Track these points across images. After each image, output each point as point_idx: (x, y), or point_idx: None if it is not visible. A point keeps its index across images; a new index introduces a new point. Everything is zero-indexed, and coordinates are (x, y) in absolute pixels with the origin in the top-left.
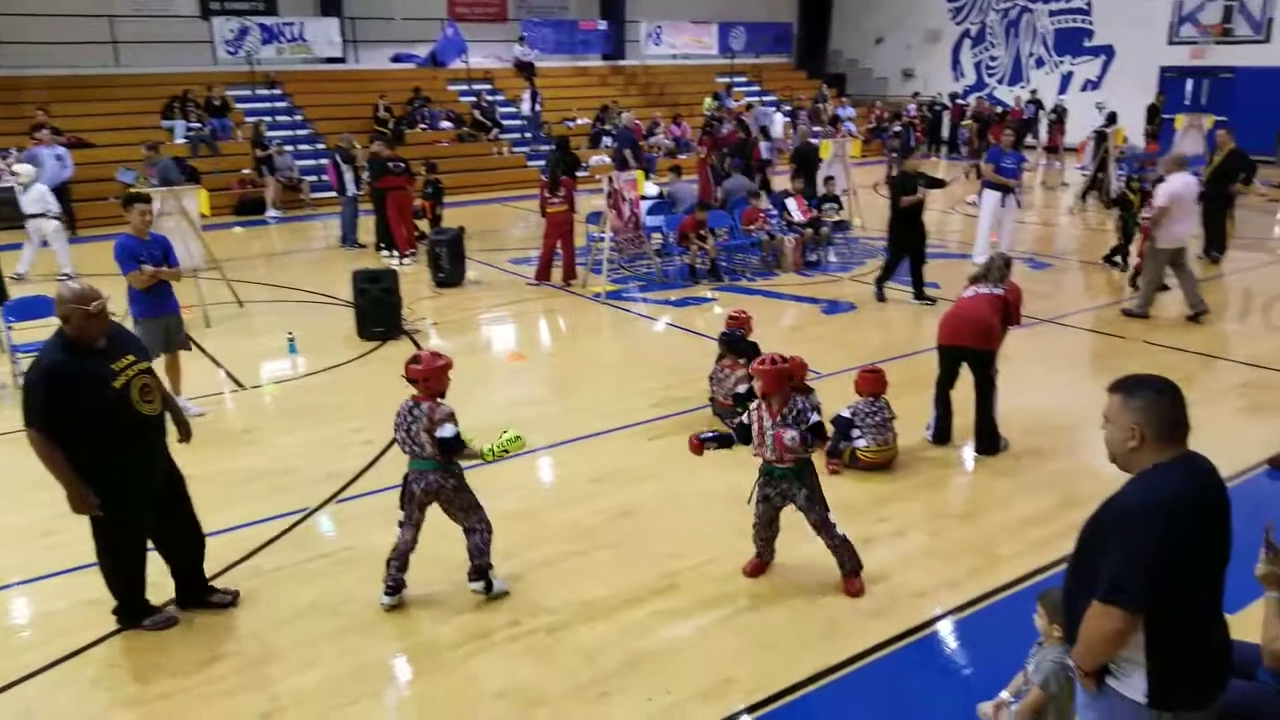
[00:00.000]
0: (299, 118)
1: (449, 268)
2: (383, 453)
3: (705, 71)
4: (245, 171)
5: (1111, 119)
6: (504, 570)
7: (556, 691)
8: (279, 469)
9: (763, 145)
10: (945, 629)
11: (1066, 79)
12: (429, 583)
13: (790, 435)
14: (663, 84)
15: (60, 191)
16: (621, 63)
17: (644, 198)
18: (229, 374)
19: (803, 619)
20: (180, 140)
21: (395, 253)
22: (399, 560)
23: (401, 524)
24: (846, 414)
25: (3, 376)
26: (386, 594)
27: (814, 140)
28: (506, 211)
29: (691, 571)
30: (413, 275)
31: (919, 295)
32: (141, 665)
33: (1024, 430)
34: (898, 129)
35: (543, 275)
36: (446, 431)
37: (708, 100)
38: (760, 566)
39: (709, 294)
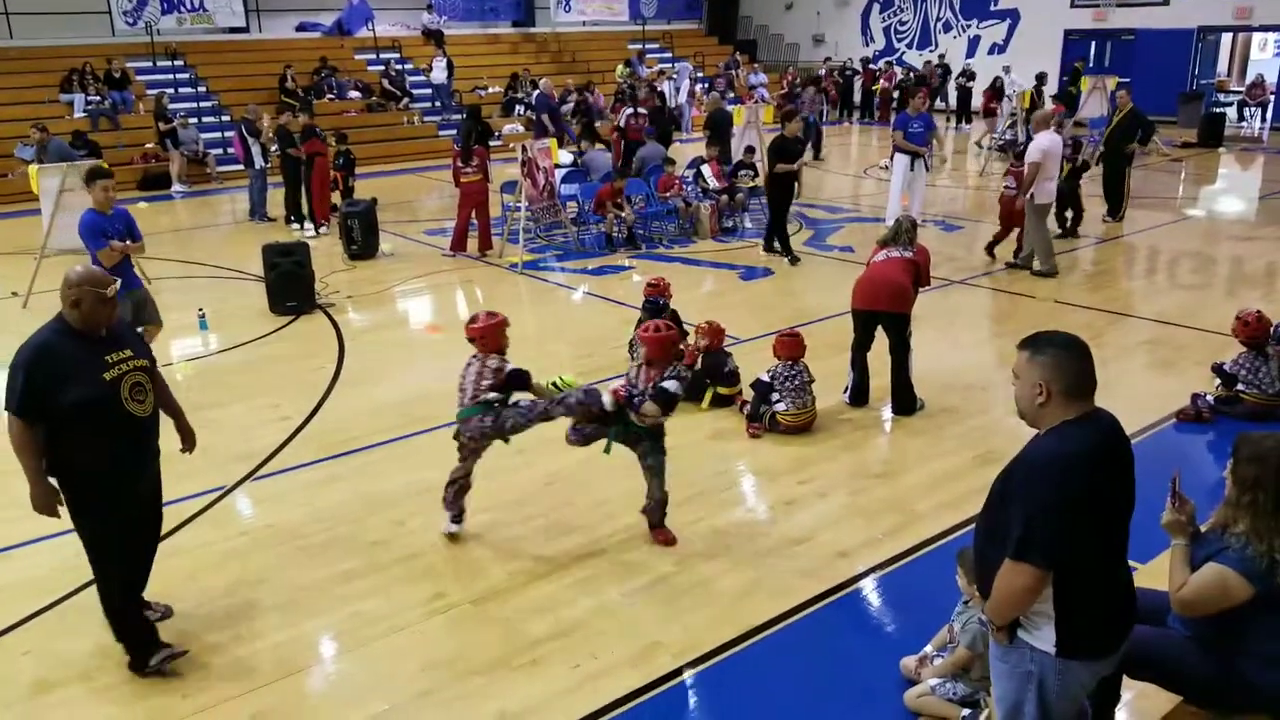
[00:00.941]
0: (202, 89)
1: (362, 240)
2: (299, 429)
3: (617, 39)
4: (148, 146)
5: (1041, 79)
6: (428, 541)
7: (485, 660)
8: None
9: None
10: (868, 586)
11: (974, 42)
12: (348, 558)
13: (653, 409)
14: (574, 51)
15: None
16: (532, 30)
17: (558, 166)
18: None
19: (727, 581)
20: (80, 114)
21: (309, 224)
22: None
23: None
24: (765, 378)
25: None
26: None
27: (727, 107)
28: (419, 182)
29: (615, 538)
30: (324, 248)
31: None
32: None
33: (939, 389)
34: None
35: (458, 246)
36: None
37: (620, 67)
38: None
39: (626, 262)
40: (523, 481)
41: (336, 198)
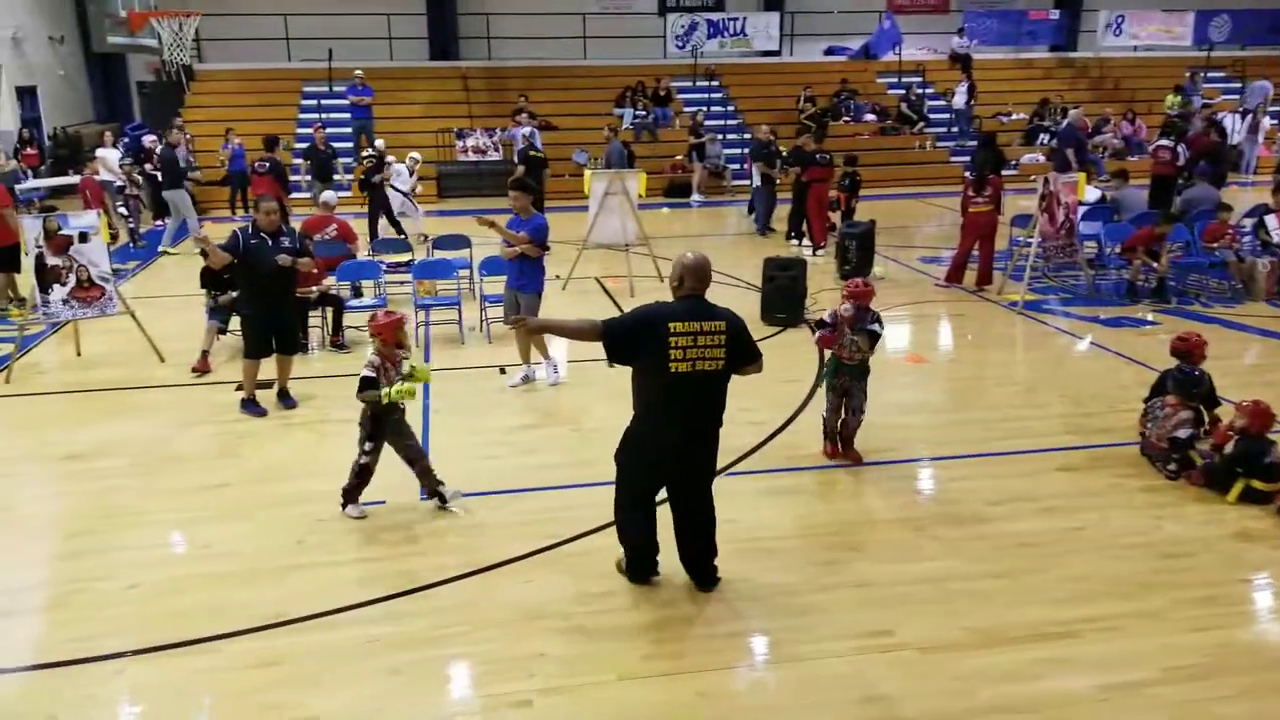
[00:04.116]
0: (731, 108)
1: (856, 261)
2: (770, 436)
3: (1172, 65)
4: (678, 158)
5: None
6: (879, 572)
7: (924, 712)
8: None
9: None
10: None
11: None
12: (797, 569)
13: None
14: (1118, 78)
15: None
16: (1072, 55)
17: (1082, 203)
18: None
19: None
20: (627, 126)
21: (809, 244)
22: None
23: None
24: None
25: (471, 321)
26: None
27: None
28: (921, 208)
29: (1095, 624)
30: (820, 266)
31: None
32: (548, 581)
33: None
34: None
35: (954, 277)
36: (363, 373)
37: (1169, 96)
38: (835, 450)
39: (1150, 316)
40: (990, 536)
41: (836, 218)
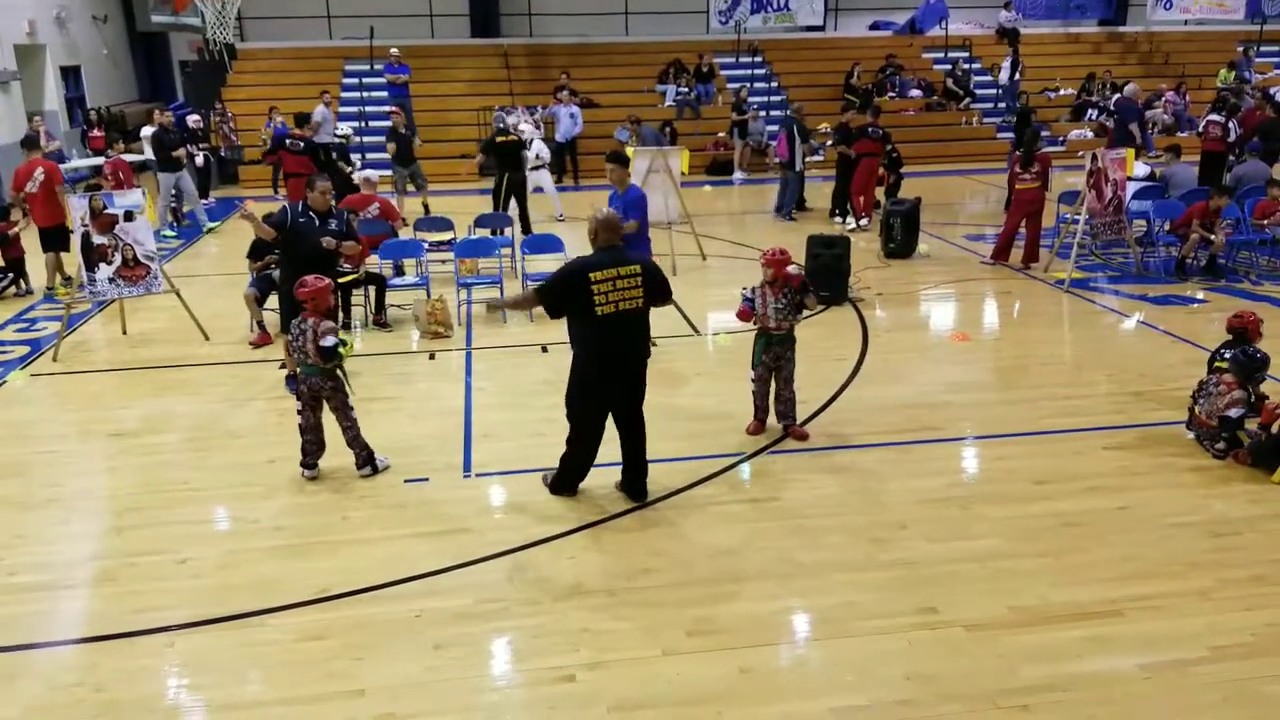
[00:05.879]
0: (775, 84)
1: (900, 239)
2: (813, 415)
3: (1224, 39)
4: (720, 135)
5: None
6: (926, 552)
7: (970, 690)
8: (719, 413)
9: None
10: None
11: None
12: (846, 548)
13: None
14: (1168, 52)
15: (571, 146)
16: (1121, 29)
17: (1130, 179)
18: (686, 318)
19: None
20: (669, 103)
21: (851, 219)
22: (309, 438)
23: (300, 412)
24: None
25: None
26: (304, 467)
27: None
28: (967, 184)
29: (1140, 604)
30: (863, 244)
31: None
32: (590, 558)
33: None
34: None
35: (1000, 255)
36: (328, 341)
37: (1222, 71)
38: (760, 427)
39: (1199, 294)
40: (1036, 515)
41: (880, 195)
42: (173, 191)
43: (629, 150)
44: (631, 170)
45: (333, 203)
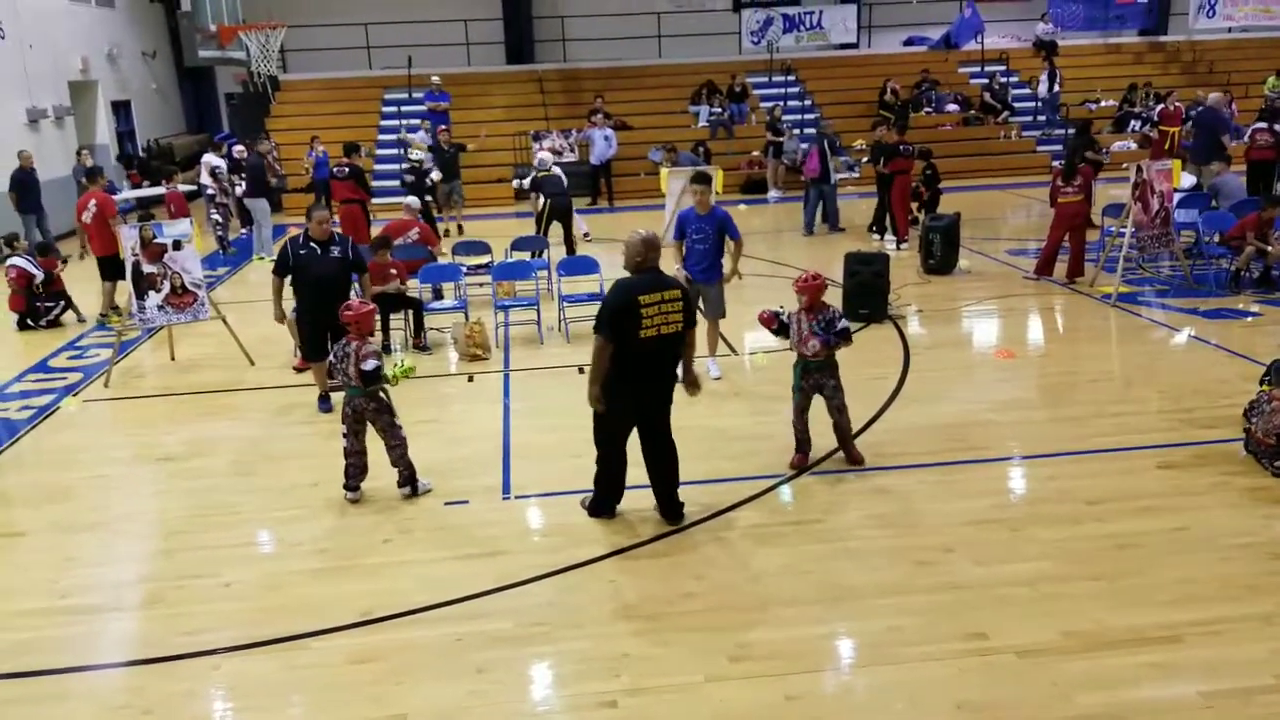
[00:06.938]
0: (809, 103)
1: (940, 255)
2: (854, 436)
3: (1269, 46)
4: (754, 154)
5: None
6: (974, 576)
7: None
8: (758, 434)
9: None
10: None
11: None
12: (889, 569)
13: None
14: (1211, 61)
15: (605, 168)
16: (1162, 39)
17: (1177, 190)
18: (723, 338)
19: None
20: (703, 124)
21: (890, 237)
22: (352, 460)
23: (344, 435)
24: None
25: (550, 321)
26: (347, 489)
27: None
28: (1008, 198)
29: (1199, 629)
30: (903, 260)
31: None
32: (631, 581)
33: None
34: None
35: (1044, 269)
36: (368, 365)
37: (1271, 79)
38: (803, 460)
39: (1254, 307)
40: (1088, 537)
41: (918, 211)
42: (216, 218)
43: (663, 171)
44: (666, 190)
45: (334, 230)
